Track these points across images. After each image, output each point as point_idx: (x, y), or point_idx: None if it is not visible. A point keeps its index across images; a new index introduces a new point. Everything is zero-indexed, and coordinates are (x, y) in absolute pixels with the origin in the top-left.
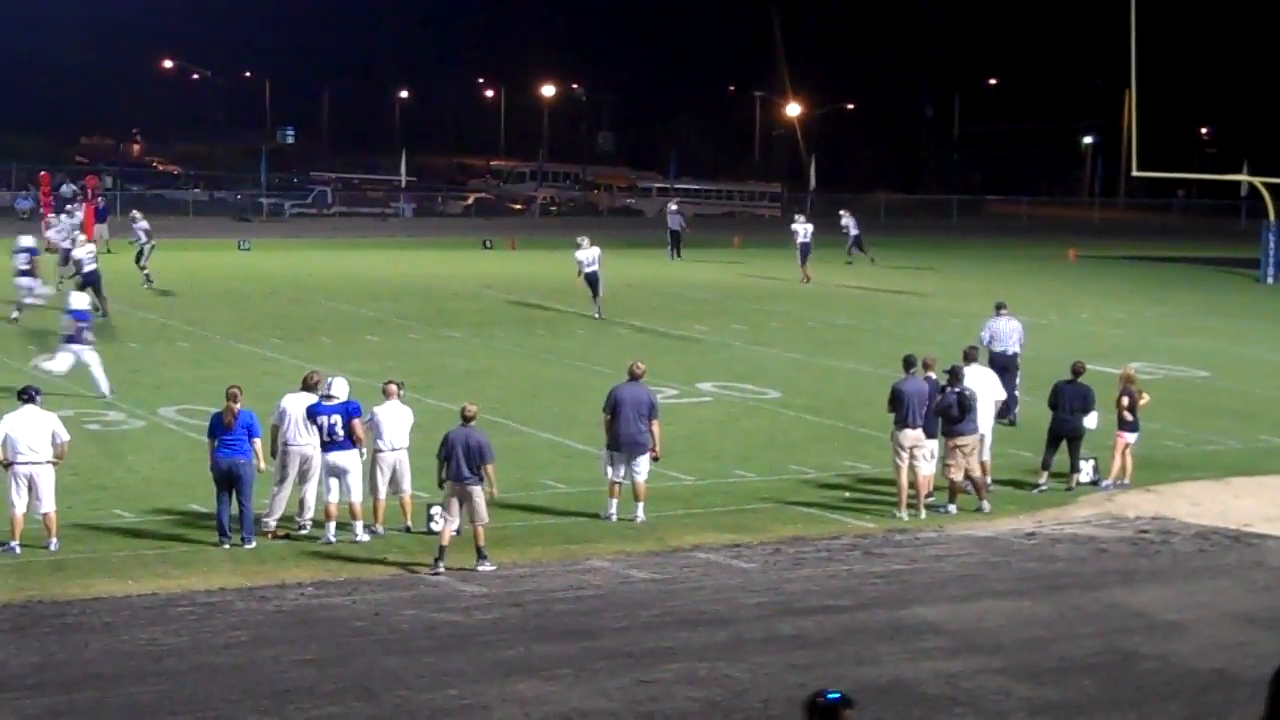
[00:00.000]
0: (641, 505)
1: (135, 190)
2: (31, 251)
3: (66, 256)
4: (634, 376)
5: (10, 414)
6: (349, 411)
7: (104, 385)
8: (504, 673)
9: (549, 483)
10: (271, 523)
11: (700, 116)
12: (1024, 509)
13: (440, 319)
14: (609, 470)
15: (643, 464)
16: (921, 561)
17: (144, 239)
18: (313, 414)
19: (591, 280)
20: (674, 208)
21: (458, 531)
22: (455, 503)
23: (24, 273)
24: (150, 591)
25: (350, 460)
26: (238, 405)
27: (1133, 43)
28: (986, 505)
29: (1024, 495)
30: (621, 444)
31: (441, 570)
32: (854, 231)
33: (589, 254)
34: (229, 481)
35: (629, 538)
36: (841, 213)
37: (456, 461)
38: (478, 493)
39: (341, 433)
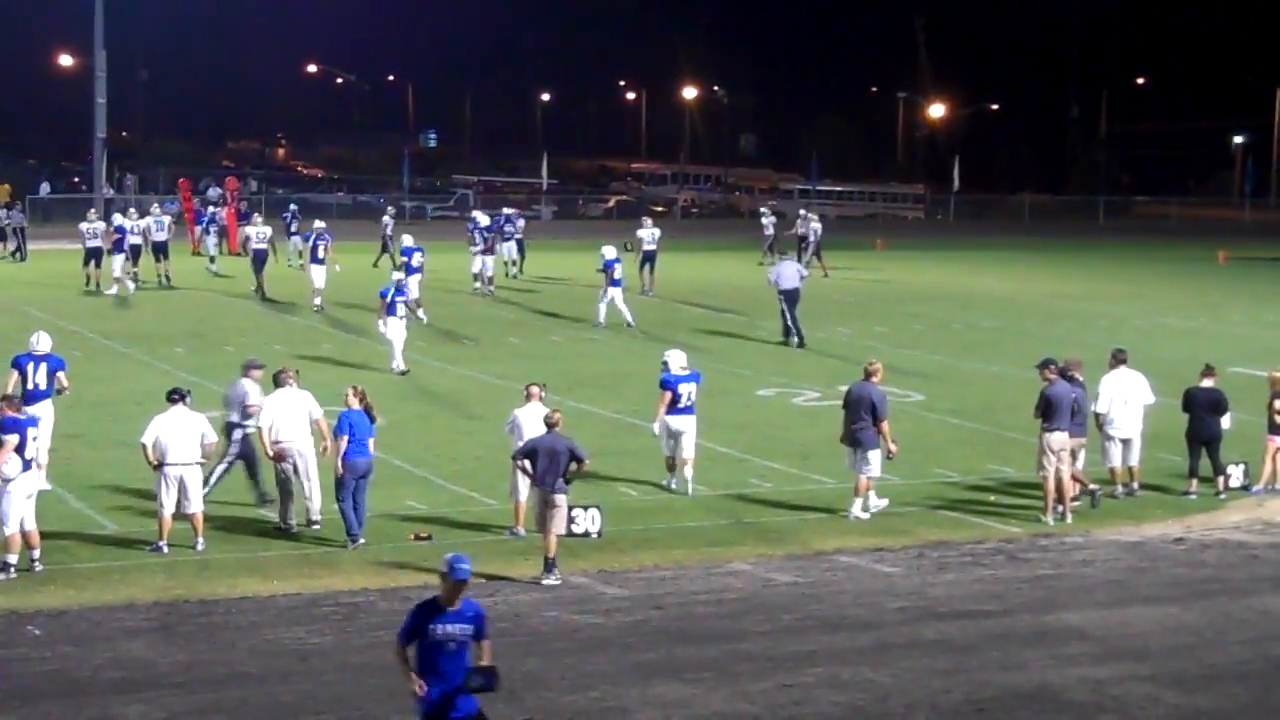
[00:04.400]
0: (859, 500)
1: (280, 194)
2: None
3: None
4: (868, 375)
5: (160, 415)
6: (696, 378)
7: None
8: (645, 675)
9: (690, 485)
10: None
11: (842, 118)
12: (1173, 514)
13: (581, 321)
14: (849, 466)
15: (869, 460)
16: (1068, 566)
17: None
18: (671, 384)
19: (649, 257)
20: (805, 213)
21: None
22: (541, 510)
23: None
24: (295, 591)
25: (690, 423)
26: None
27: None
28: (1094, 488)
29: (1173, 500)
30: (846, 438)
31: (554, 578)
32: (813, 238)
33: (650, 234)
34: (360, 481)
35: (771, 541)
36: (802, 212)
37: (541, 469)
38: (560, 501)
39: (694, 398)
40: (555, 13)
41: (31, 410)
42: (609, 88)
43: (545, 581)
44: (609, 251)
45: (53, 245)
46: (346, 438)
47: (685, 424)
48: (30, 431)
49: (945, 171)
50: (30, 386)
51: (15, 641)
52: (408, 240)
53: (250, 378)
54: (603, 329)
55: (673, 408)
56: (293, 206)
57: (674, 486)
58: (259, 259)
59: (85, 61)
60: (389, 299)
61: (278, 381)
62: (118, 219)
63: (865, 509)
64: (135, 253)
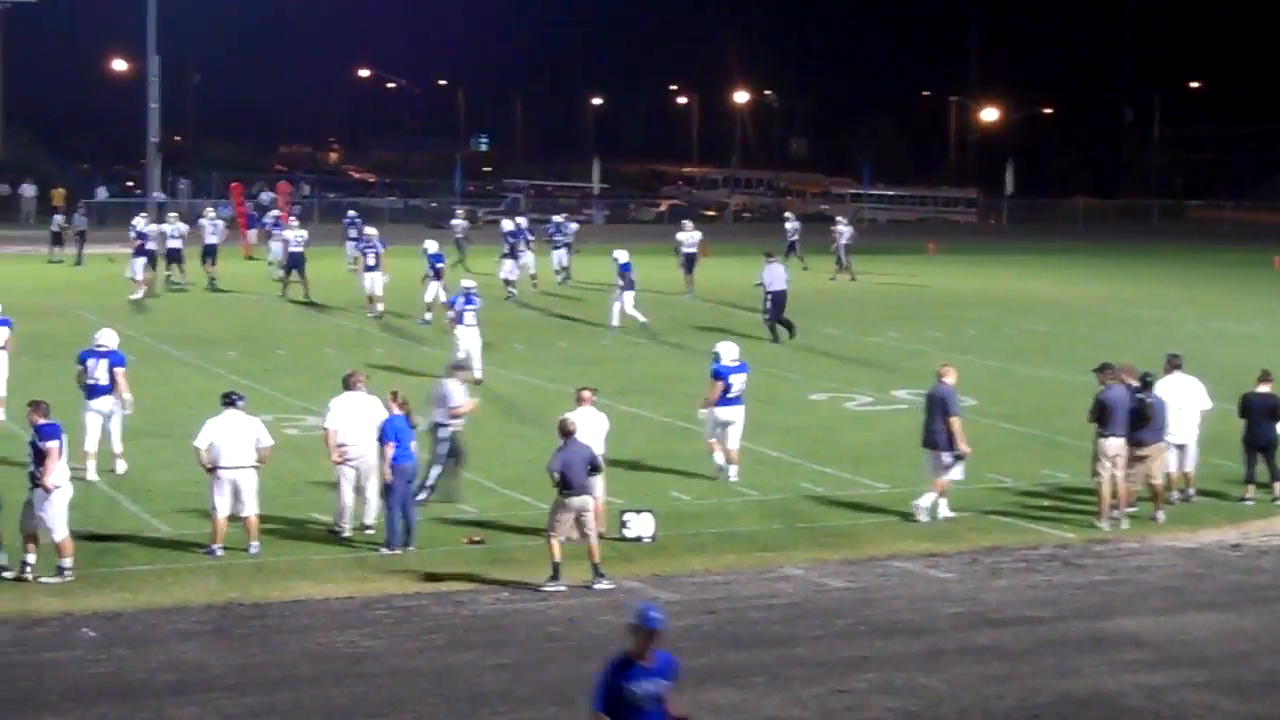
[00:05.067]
0: (944, 501)
1: (331, 198)
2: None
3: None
4: (939, 377)
5: (214, 419)
6: (746, 370)
7: None
8: (697, 680)
9: (742, 489)
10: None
11: (894, 121)
12: (1229, 520)
13: (631, 325)
14: (929, 469)
15: (945, 460)
16: (1123, 573)
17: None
18: (723, 374)
19: (689, 261)
20: (838, 218)
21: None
22: (569, 517)
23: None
24: (348, 595)
25: (738, 414)
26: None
27: None
28: (1161, 516)
29: (1229, 506)
30: (924, 440)
31: (562, 586)
32: (841, 241)
33: (690, 236)
34: (407, 485)
35: (824, 545)
36: (839, 219)
37: (568, 476)
38: (591, 504)
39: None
40: (606, 16)
41: (94, 405)
42: (660, 91)
43: (597, 586)
44: (621, 255)
45: (107, 249)
46: (394, 444)
47: (734, 414)
48: (64, 438)
49: (998, 175)
50: (91, 381)
51: (70, 644)
52: (432, 246)
53: (455, 379)
54: (616, 332)
55: (722, 398)
56: (351, 212)
57: (720, 472)
58: (295, 262)
59: (138, 66)
60: (458, 307)
61: (347, 385)
62: (140, 223)
63: (935, 513)
64: (177, 256)
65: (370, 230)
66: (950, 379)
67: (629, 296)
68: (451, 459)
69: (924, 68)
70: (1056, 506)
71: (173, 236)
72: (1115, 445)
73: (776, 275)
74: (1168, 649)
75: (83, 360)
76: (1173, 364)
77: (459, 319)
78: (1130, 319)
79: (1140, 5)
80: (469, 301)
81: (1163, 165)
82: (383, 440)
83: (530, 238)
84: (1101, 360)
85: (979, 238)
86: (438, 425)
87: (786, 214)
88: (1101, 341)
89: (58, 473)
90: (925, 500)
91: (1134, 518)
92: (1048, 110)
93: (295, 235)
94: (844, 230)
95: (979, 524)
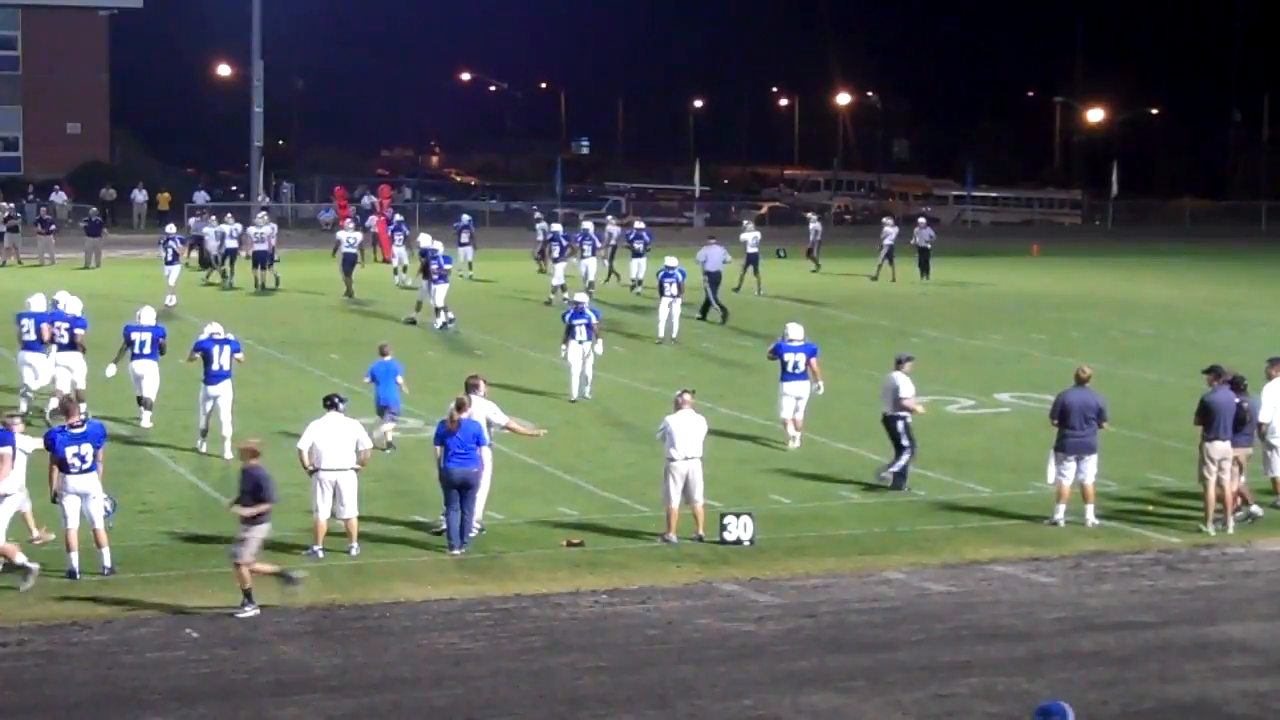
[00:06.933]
0: (1091, 507)
1: (433, 201)
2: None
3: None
4: (1080, 380)
5: (316, 421)
6: (809, 350)
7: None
8: (797, 684)
9: (844, 493)
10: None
11: (998, 123)
12: None
13: (731, 328)
14: (1054, 472)
15: (1090, 466)
16: (1229, 578)
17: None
18: (779, 350)
19: (751, 260)
20: (923, 222)
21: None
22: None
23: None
24: (448, 596)
25: (801, 389)
26: (462, 413)
27: None
28: (1258, 513)
29: None
30: (1069, 446)
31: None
32: (888, 241)
33: (752, 236)
34: (461, 490)
35: (925, 549)
36: (885, 220)
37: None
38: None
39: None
40: (707, 19)
41: (214, 390)
42: (761, 93)
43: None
44: (426, 239)
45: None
46: (441, 448)
47: (797, 389)
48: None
49: (1103, 177)
50: (215, 368)
51: (174, 644)
52: (425, 240)
53: (902, 370)
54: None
55: (787, 374)
56: (465, 217)
57: (789, 440)
58: (348, 262)
59: (242, 72)
60: (568, 321)
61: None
62: (171, 229)
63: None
64: (232, 256)
65: (438, 243)
66: (1091, 383)
67: (665, 303)
68: (909, 448)
69: (1028, 68)
70: (1161, 511)
71: (230, 237)
72: (1220, 449)
73: (713, 256)
74: (1274, 655)
75: (205, 348)
76: (1278, 366)
77: (569, 334)
78: (1238, 321)
79: (1248, 4)
80: (578, 316)
81: (1271, 166)
82: (435, 442)
83: (597, 243)
84: (1210, 363)
85: (1084, 239)
86: (889, 417)
87: (808, 214)
88: (1209, 344)
89: (8, 481)
90: (1090, 513)
91: (1240, 524)
92: (1154, 111)
93: (349, 236)
94: (890, 231)
95: (1082, 528)
